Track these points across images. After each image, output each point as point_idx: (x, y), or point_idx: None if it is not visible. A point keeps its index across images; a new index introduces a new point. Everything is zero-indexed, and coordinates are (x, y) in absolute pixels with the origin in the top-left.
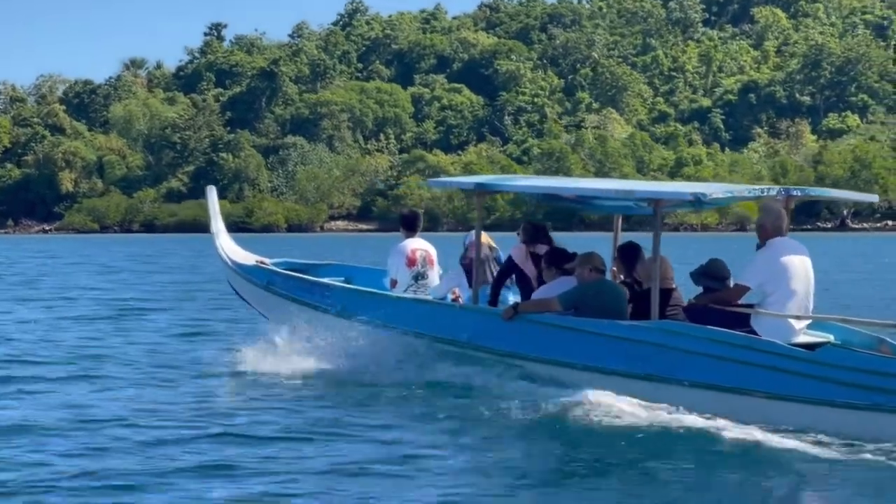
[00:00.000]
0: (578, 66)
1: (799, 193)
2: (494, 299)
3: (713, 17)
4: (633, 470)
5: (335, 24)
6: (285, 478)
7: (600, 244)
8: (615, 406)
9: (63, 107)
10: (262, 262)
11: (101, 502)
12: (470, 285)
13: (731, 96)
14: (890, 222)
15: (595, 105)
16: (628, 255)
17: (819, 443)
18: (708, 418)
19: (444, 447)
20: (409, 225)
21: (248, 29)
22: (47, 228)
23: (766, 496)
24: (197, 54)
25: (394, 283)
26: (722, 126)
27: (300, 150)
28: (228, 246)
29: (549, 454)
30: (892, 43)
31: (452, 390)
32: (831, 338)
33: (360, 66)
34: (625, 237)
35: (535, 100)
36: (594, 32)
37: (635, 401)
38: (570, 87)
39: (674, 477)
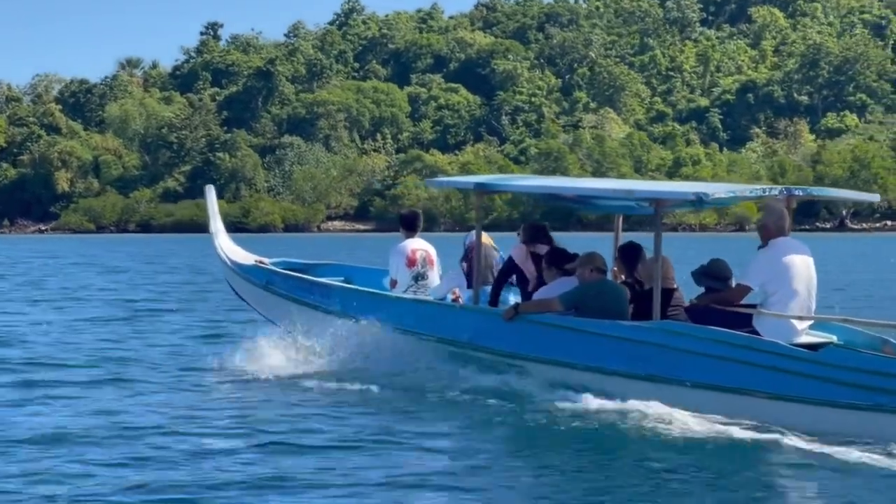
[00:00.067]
0: (576, 65)
1: (801, 193)
2: (495, 299)
3: (711, 17)
4: (697, 481)
5: (331, 23)
6: (345, 491)
7: (600, 244)
8: (669, 415)
9: (59, 106)
10: (261, 262)
11: None
12: (470, 285)
13: (728, 96)
14: (889, 222)
15: (592, 105)
16: (629, 255)
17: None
18: (762, 429)
19: (500, 455)
20: (409, 225)
21: (245, 28)
22: (43, 228)
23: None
24: (193, 54)
25: (394, 284)
26: (720, 126)
27: (297, 150)
28: (227, 246)
29: (618, 464)
30: (891, 42)
31: (491, 395)
32: (834, 338)
33: (356, 65)
34: (625, 237)
35: (533, 99)
36: (591, 32)
37: (687, 412)
38: (568, 86)
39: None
